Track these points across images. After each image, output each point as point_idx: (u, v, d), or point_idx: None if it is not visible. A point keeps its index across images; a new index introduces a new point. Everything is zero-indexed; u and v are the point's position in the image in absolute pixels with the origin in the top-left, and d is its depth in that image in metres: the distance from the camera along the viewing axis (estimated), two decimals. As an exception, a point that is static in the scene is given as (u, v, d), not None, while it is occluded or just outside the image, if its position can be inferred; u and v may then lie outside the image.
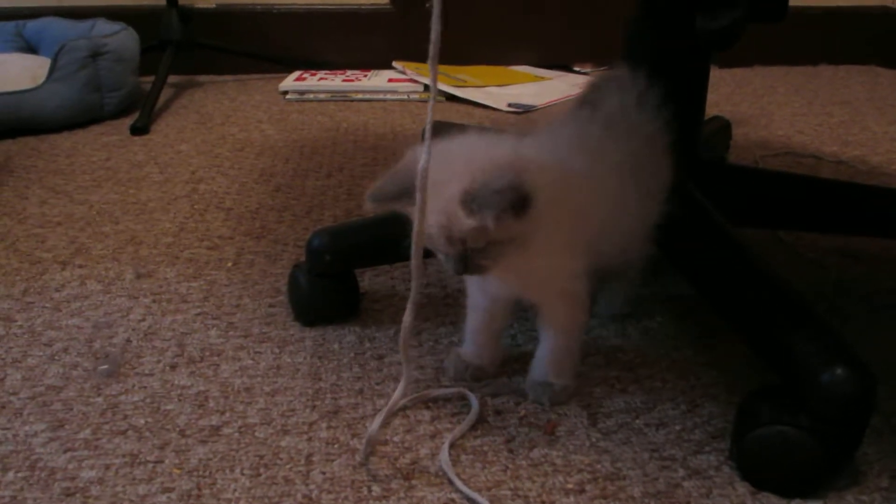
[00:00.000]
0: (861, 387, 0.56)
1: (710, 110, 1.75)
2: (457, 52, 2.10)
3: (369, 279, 0.91)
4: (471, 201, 0.55)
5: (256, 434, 0.64)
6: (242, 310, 0.85)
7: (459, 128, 0.63)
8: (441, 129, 0.59)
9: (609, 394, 0.70)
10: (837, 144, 1.50)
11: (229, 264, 0.96)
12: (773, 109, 1.77)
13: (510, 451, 0.63)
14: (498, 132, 0.65)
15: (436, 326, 0.81)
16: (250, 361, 0.75)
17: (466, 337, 0.72)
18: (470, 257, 0.57)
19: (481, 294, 0.69)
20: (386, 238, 0.82)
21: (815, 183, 1.03)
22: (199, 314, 0.84)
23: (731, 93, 1.93)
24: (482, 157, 0.57)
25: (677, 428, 0.66)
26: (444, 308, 0.85)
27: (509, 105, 1.74)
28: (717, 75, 2.13)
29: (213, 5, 2.06)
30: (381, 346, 0.77)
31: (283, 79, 1.91)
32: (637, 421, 0.67)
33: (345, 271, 0.81)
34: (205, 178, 1.27)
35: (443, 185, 0.56)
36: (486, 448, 0.63)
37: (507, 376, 0.72)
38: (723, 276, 0.72)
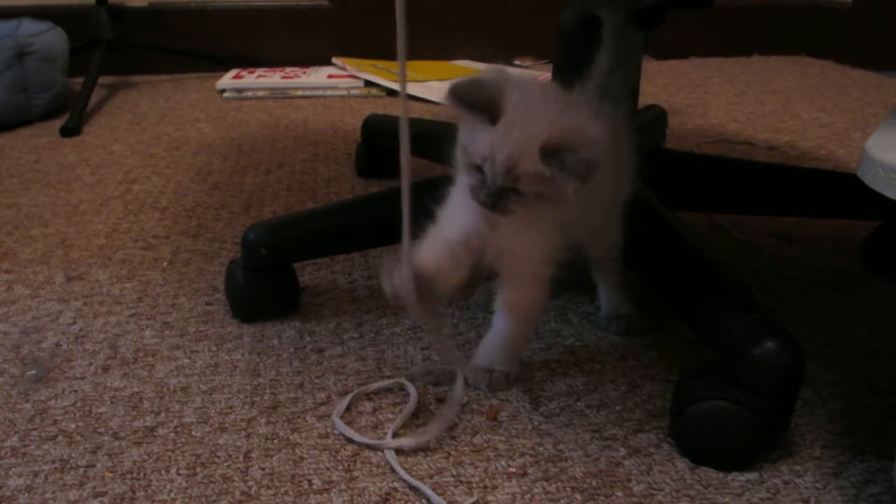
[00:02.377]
0: (791, 359, 0.57)
1: (647, 101, 1.79)
2: (396, 48, 2.10)
3: (309, 273, 0.90)
4: (553, 153, 0.55)
5: (193, 433, 0.63)
6: (178, 309, 0.82)
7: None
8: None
9: (551, 377, 0.70)
10: (770, 131, 1.54)
11: (164, 264, 0.93)
12: (708, 99, 1.81)
13: (452, 437, 0.62)
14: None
15: (377, 317, 0.80)
16: (186, 360, 0.73)
17: (423, 244, 0.64)
18: (507, 196, 0.58)
19: (455, 226, 0.64)
20: (324, 231, 0.81)
21: (748, 166, 1.05)
22: (132, 315, 0.81)
23: (668, 84, 1.97)
24: (573, 114, 0.58)
25: (618, 408, 0.66)
26: (385, 299, 0.84)
27: (451, 99, 1.74)
28: (654, 67, 2.17)
29: (146, 3, 2.01)
30: (321, 339, 0.76)
31: (220, 77, 1.87)
32: (578, 403, 0.67)
33: (282, 265, 0.80)
34: (139, 178, 1.24)
35: (529, 118, 0.56)
36: (428, 436, 0.62)
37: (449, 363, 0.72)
38: (656, 257, 0.73)
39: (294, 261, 0.82)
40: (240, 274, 0.78)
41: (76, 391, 0.68)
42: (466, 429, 0.63)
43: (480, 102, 0.57)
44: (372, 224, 0.81)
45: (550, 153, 0.55)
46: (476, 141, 0.58)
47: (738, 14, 2.28)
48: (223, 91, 1.81)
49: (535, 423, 0.64)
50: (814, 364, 0.74)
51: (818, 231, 1.03)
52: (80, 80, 1.65)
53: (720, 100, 1.80)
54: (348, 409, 0.66)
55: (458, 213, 0.63)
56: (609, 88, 0.70)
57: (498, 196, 0.58)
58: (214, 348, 0.75)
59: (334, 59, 1.99)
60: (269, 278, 0.79)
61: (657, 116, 1.26)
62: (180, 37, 2.01)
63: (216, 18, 2.04)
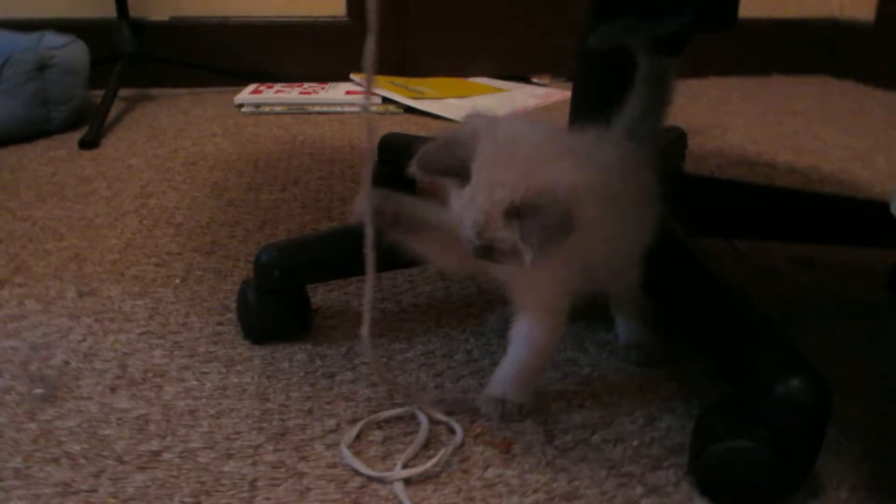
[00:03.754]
0: (816, 397, 0.55)
1: (667, 121, 1.77)
2: (416, 65, 2.09)
3: (322, 295, 0.88)
4: (514, 218, 0.53)
5: (199, 459, 0.61)
6: (189, 328, 0.82)
7: (522, 117, 0.61)
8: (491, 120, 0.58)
9: (566, 409, 0.69)
10: (791, 153, 1.51)
11: (177, 281, 0.92)
12: (728, 119, 1.79)
13: (464, 471, 0.61)
14: (555, 132, 0.62)
15: (389, 342, 0.79)
16: (195, 382, 0.72)
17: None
18: (490, 252, 0.56)
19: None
20: (338, 253, 0.80)
21: (769, 191, 1.03)
22: (143, 333, 0.80)
23: (687, 103, 1.95)
24: (540, 169, 0.55)
25: (635, 443, 0.64)
26: (398, 323, 0.83)
27: (468, 115, 1.73)
28: (673, 86, 2.15)
29: (167, 18, 2.02)
30: (332, 363, 0.75)
31: (238, 92, 1.88)
32: (594, 437, 0.65)
33: (295, 287, 0.79)
34: (155, 192, 1.23)
35: (495, 179, 0.54)
36: (438, 468, 0.60)
37: (462, 392, 0.70)
38: (678, 286, 0.71)
39: (308, 283, 0.81)
40: (252, 295, 0.77)
41: (82, 411, 0.67)
42: (478, 461, 0.62)
43: (449, 167, 0.55)
44: (386, 246, 0.80)
45: (512, 217, 0.54)
46: (453, 204, 0.57)
47: (758, 32, 2.26)
48: (241, 106, 1.82)
49: (550, 457, 0.62)
50: (839, 399, 0.71)
51: (841, 258, 1.01)
52: (101, 92, 1.66)
53: (740, 120, 1.78)
54: (358, 437, 0.64)
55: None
56: (638, 132, 0.68)
57: (480, 252, 0.56)
58: (224, 370, 0.74)
59: (352, 76, 1.99)
60: (282, 300, 0.78)
61: (677, 138, 1.24)
62: (200, 51, 2.02)
63: (236, 33, 2.05)
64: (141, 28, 1.87)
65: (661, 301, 0.73)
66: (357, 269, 0.83)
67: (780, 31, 2.28)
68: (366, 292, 0.61)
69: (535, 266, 0.57)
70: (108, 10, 1.86)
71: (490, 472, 0.60)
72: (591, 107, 0.85)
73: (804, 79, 2.27)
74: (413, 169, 0.56)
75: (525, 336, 0.65)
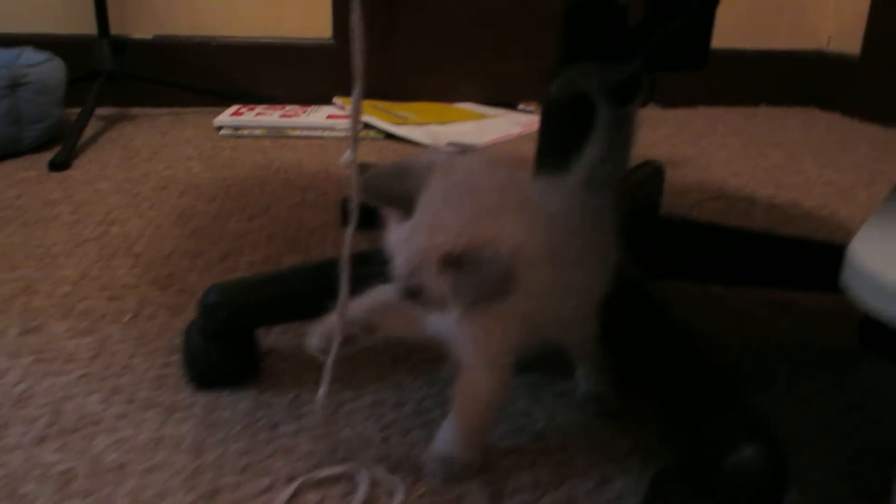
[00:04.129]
0: (769, 468, 0.52)
1: (651, 151, 1.75)
2: (401, 88, 2.08)
3: (275, 336, 0.85)
4: (450, 266, 0.51)
5: (122, 520, 0.58)
6: (132, 370, 0.78)
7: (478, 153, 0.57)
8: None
9: (516, 467, 0.65)
10: (772, 187, 1.49)
11: (128, 317, 0.89)
12: (711, 150, 1.77)
13: (401, 537, 0.57)
14: (514, 178, 0.57)
15: (340, 389, 0.76)
16: (130, 432, 0.68)
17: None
18: (416, 295, 0.53)
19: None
20: (290, 295, 0.77)
21: (742, 235, 1.01)
22: (83, 376, 0.77)
23: (672, 134, 1.93)
24: (488, 219, 0.51)
25: (584, 507, 0.61)
26: (350, 369, 0.80)
27: (448, 144, 1.70)
28: (659, 116, 2.14)
29: (151, 36, 2.01)
30: (276, 413, 0.72)
31: (220, 113, 1.85)
32: (544, 499, 0.62)
33: (243, 330, 0.76)
34: (119, 219, 1.20)
35: (439, 221, 0.51)
36: (375, 534, 0.57)
37: (409, 446, 0.67)
38: (634, 337, 0.68)
39: (256, 326, 0.78)
40: (196, 338, 0.74)
41: (4, 465, 0.63)
42: (417, 527, 0.58)
43: (394, 196, 0.52)
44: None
45: (446, 267, 0.51)
46: (388, 234, 0.54)
47: (746, 64, 2.25)
48: (220, 128, 1.79)
49: (493, 522, 0.59)
50: (803, 458, 0.68)
51: (817, 302, 0.98)
52: (79, 111, 1.63)
53: (724, 152, 1.77)
54: (293, 496, 0.61)
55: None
56: (597, 179, 0.66)
57: (408, 293, 0.53)
58: (162, 419, 0.70)
59: (335, 99, 1.97)
60: (228, 345, 0.75)
61: (653, 173, 1.22)
62: (183, 70, 2.00)
63: (220, 53, 2.04)
64: (122, 46, 1.85)
65: (618, 351, 0.70)
66: (309, 311, 0.80)
67: (769, 62, 2.27)
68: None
69: (466, 320, 0.55)
70: (90, 28, 1.85)
71: (427, 540, 0.57)
72: (555, 152, 0.83)
73: (791, 111, 2.25)
74: (356, 192, 0.53)
75: (469, 392, 0.62)
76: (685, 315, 0.93)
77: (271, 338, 0.85)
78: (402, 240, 0.52)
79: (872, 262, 0.40)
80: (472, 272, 0.50)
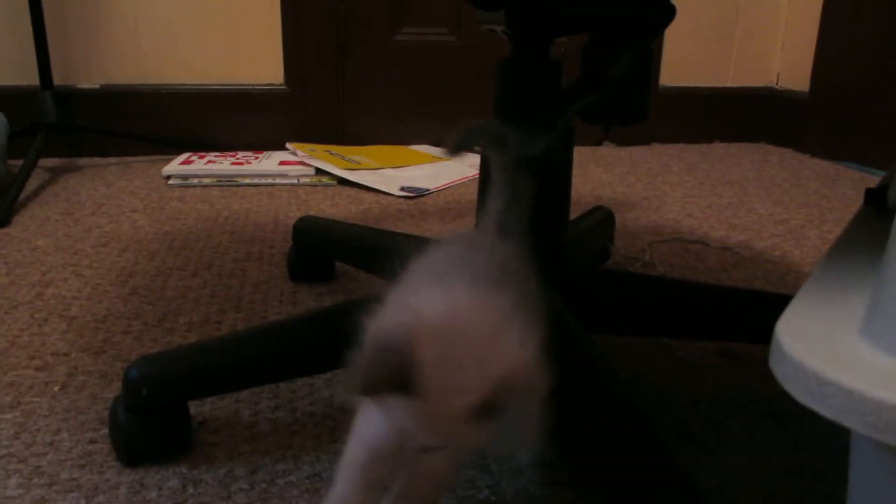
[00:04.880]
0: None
1: (605, 191, 1.76)
2: (355, 133, 2.07)
3: (211, 403, 0.82)
4: (487, 415, 0.46)
5: None
6: (56, 448, 0.74)
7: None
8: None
9: (456, 544, 0.63)
10: (725, 228, 1.50)
11: (56, 388, 0.85)
12: (666, 190, 1.78)
13: None
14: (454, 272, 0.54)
15: (274, 461, 0.73)
16: (47, 520, 0.64)
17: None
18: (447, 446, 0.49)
19: (363, 445, 0.57)
20: (220, 366, 0.74)
21: (689, 287, 1.00)
22: (2, 457, 0.73)
23: (627, 172, 1.94)
24: (498, 355, 0.47)
25: (526, 588, 0.58)
26: (287, 437, 0.76)
27: (402, 189, 1.69)
28: (614, 154, 2.15)
29: (98, 85, 1.98)
30: (206, 491, 0.68)
31: (170, 161, 1.82)
32: (483, 579, 0.59)
33: (170, 405, 0.72)
34: (55, 279, 1.16)
35: (449, 382, 0.46)
36: None
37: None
38: (566, 390, 0.66)
39: (185, 399, 0.74)
40: (122, 413, 0.71)
41: None
42: None
43: (391, 384, 0.46)
44: (278, 355, 0.74)
45: (486, 416, 0.46)
46: (402, 420, 0.48)
47: (699, 101, 2.28)
48: (169, 177, 1.76)
49: None
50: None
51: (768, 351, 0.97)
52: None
53: (678, 191, 1.77)
54: (218, 588, 0.57)
55: (365, 427, 0.55)
56: (508, 227, 0.64)
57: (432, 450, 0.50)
58: (83, 503, 0.66)
59: (288, 145, 1.95)
60: (155, 419, 0.71)
61: (603, 219, 1.21)
62: (132, 119, 1.97)
63: (170, 101, 2.01)
64: (65, 97, 1.81)
65: (558, 415, 0.68)
66: (240, 381, 0.77)
67: (720, 100, 2.31)
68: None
69: None
70: (33, 78, 1.81)
71: None
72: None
73: (744, 147, 2.29)
74: (344, 393, 0.48)
75: (427, 473, 0.59)
76: (630, 371, 0.92)
77: (206, 407, 0.81)
78: (420, 417, 0.47)
79: (796, 350, 0.39)
80: (513, 409, 0.46)
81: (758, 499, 0.70)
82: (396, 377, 0.46)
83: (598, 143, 2.23)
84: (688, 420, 0.82)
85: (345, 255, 1.12)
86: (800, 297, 0.45)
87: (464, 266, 0.57)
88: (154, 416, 0.71)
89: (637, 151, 2.19)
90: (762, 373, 0.93)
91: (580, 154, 2.10)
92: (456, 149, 0.66)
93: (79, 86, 1.95)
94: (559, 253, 0.81)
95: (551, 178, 0.78)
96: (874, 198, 0.62)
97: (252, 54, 2.02)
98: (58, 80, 1.84)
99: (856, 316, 0.39)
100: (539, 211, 0.78)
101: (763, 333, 0.89)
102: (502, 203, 0.65)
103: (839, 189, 1.83)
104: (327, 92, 1.99)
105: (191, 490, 0.68)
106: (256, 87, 2.03)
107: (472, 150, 0.66)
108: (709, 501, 0.51)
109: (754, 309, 0.90)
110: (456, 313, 0.49)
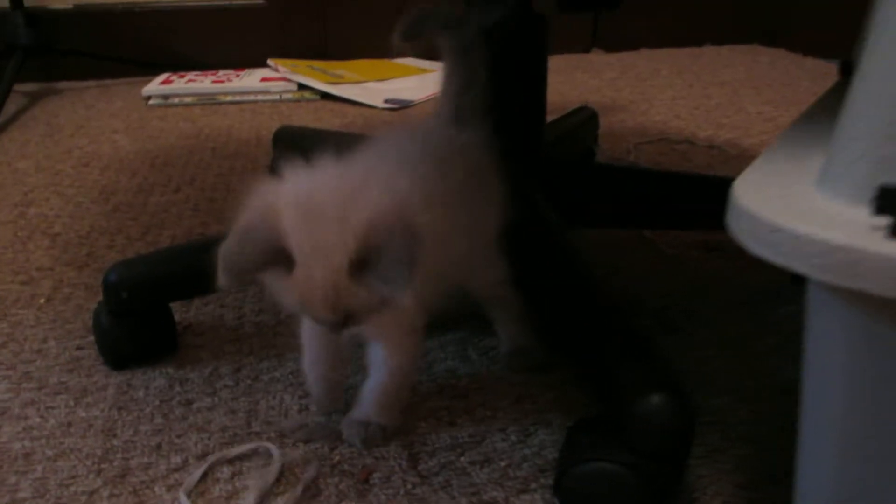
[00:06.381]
0: (675, 417, 0.51)
1: (592, 96, 1.73)
2: (338, 47, 2.02)
3: (196, 308, 0.83)
4: (365, 272, 0.48)
5: (25, 511, 0.56)
6: (44, 355, 0.75)
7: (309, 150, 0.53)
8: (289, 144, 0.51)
9: (435, 427, 0.64)
10: (712, 128, 1.48)
11: (42, 301, 0.86)
12: (654, 94, 1.75)
13: (314, 508, 0.56)
14: (345, 156, 0.54)
15: (258, 360, 0.74)
16: (38, 419, 0.66)
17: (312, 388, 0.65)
18: (351, 318, 0.51)
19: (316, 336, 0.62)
20: (196, 269, 0.74)
21: (671, 178, 1.00)
22: (-9, 365, 0.74)
23: (616, 78, 1.91)
24: (358, 208, 0.48)
25: (503, 464, 0.60)
26: (271, 338, 0.78)
27: (386, 101, 1.67)
28: (602, 60, 2.11)
29: (71, 5, 1.92)
30: (192, 389, 0.70)
31: (150, 82, 1.79)
32: (462, 458, 0.61)
33: (152, 307, 0.73)
34: (37, 199, 1.16)
35: (318, 244, 0.48)
36: (289, 506, 0.56)
37: (326, 415, 0.66)
38: (545, 288, 0.67)
39: (166, 301, 0.75)
40: (104, 318, 0.72)
41: None
42: (331, 495, 0.57)
43: (265, 261, 0.49)
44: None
45: (361, 274, 0.48)
46: (283, 294, 0.51)
47: (689, 3, 2.22)
48: (149, 98, 1.73)
49: (409, 485, 0.58)
50: (728, 399, 0.68)
51: (748, 242, 0.98)
52: None
53: (666, 94, 1.75)
54: (205, 475, 0.59)
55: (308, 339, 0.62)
56: (463, 110, 0.64)
57: (339, 326, 0.52)
58: (73, 403, 0.68)
59: (269, 61, 1.91)
60: (136, 322, 0.72)
61: (587, 119, 1.20)
62: (110, 40, 1.92)
63: (147, 20, 1.96)
64: (37, 18, 1.76)
65: (531, 303, 0.69)
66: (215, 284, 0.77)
67: (711, 1, 2.24)
68: None
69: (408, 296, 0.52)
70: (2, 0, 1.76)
71: (341, 509, 0.56)
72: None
73: (735, 48, 2.24)
74: (221, 282, 0.49)
75: (383, 361, 0.60)
76: (609, 265, 0.93)
77: (191, 312, 0.82)
78: (303, 287, 0.49)
79: (751, 202, 0.38)
80: (386, 260, 0.47)
81: (736, 375, 0.71)
82: (267, 251, 0.48)
83: (587, 50, 2.18)
84: (663, 308, 0.83)
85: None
86: (761, 158, 0.45)
87: (397, 151, 0.58)
88: (137, 318, 0.72)
89: (626, 57, 2.15)
90: (742, 264, 0.93)
91: (568, 61, 2.06)
92: (407, 35, 0.65)
93: (50, 6, 1.89)
94: (536, 144, 0.80)
95: (526, 69, 0.76)
96: (850, 69, 0.61)
97: (227, -33, 1.95)
98: (29, 0, 1.79)
99: (814, 170, 0.39)
100: (514, 103, 0.77)
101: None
102: (457, 87, 0.64)
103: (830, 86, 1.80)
104: (309, 5, 1.93)
105: (177, 388, 0.70)
106: (234, 3, 1.98)
107: (424, 35, 0.65)
108: (683, 381, 0.52)
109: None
110: (316, 186, 0.50)
